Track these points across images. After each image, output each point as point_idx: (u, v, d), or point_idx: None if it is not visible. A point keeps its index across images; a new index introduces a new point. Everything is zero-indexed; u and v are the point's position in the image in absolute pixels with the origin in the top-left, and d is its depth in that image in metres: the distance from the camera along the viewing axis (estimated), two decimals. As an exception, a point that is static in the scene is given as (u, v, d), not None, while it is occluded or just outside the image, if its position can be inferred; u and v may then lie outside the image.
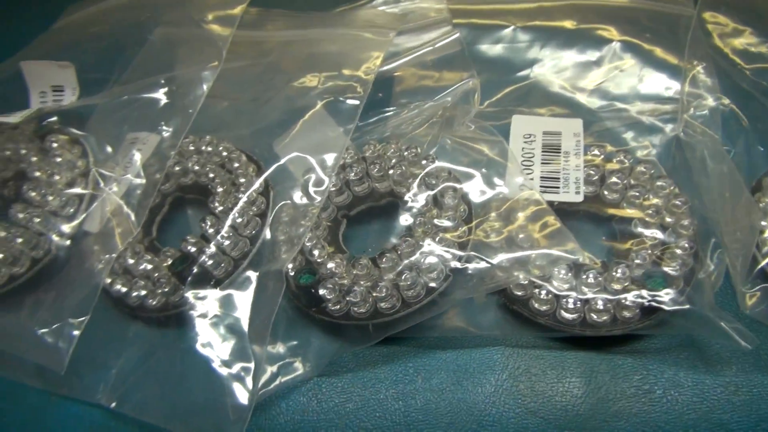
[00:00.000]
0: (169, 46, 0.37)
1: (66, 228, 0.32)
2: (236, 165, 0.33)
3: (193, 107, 0.31)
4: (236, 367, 0.29)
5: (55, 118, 0.35)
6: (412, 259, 0.28)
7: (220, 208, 0.31)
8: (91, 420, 0.29)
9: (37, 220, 0.31)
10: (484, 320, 0.30)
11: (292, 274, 0.30)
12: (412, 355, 0.30)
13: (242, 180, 0.32)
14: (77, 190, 0.33)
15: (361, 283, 0.29)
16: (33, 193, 0.32)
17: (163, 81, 0.32)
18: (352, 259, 0.30)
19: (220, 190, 0.32)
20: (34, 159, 0.34)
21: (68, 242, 0.31)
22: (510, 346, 0.30)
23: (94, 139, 0.33)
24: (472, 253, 0.28)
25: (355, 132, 0.36)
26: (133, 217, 0.30)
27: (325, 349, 0.30)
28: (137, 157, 0.33)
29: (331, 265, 0.30)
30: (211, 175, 0.33)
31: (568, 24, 0.39)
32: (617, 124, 0.36)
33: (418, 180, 0.31)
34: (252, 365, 0.28)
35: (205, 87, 0.31)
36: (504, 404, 0.28)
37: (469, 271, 0.29)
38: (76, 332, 0.28)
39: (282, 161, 0.31)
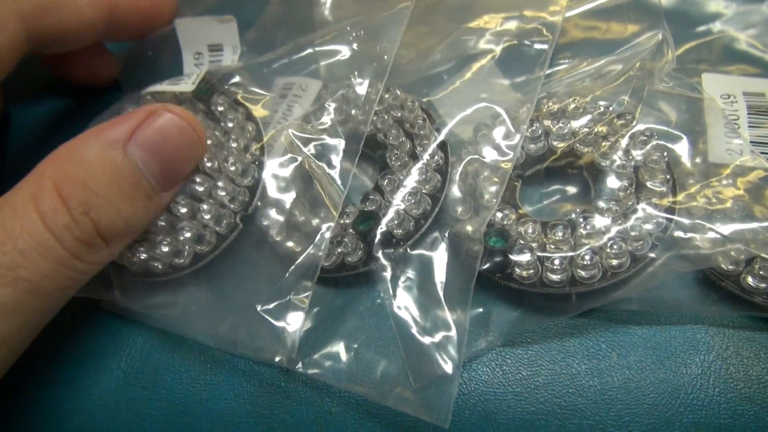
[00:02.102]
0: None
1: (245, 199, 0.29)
2: (409, 115, 0.30)
3: (388, 53, 0.28)
4: (438, 336, 0.26)
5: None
6: (625, 225, 0.26)
7: (398, 163, 0.29)
8: (258, 376, 0.28)
9: (222, 193, 0.28)
10: (684, 295, 0.28)
11: (476, 236, 0.28)
12: (604, 329, 0.28)
13: (420, 132, 0.29)
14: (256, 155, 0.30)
15: (561, 248, 0.26)
16: (209, 164, 0.29)
17: (348, 28, 0.30)
18: (547, 224, 0.27)
19: (395, 142, 0.29)
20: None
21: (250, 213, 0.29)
22: (714, 325, 0.27)
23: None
24: (693, 221, 0.26)
25: (524, 86, 0.33)
26: (338, 180, 0.28)
27: (510, 318, 0.28)
28: (296, 108, 0.30)
29: (523, 229, 0.27)
30: (380, 125, 0.30)
31: (759, -26, 0.35)
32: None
33: (618, 140, 0.28)
34: (454, 333, 0.26)
35: (398, 29, 0.29)
36: (714, 388, 0.26)
37: (681, 241, 0.26)
38: (301, 312, 0.26)
39: (468, 111, 0.29)
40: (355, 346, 0.27)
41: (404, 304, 0.27)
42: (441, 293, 0.27)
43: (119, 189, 0.24)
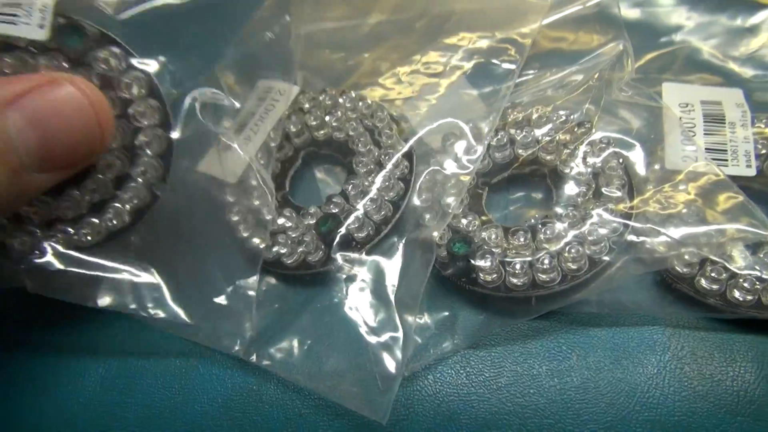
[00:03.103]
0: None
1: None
2: (379, 124, 0.31)
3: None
4: (384, 336, 0.28)
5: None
6: (582, 230, 0.27)
7: (364, 170, 0.30)
8: (232, 380, 0.29)
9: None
10: (642, 297, 0.29)
11: (442, 243, 0.29)
12: (564, 331, 0.29)
13: (388, 141, 0.30)
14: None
15: (522, 253, 0.27)
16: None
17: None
18: (509, 229, 0.28)
19: (363, 149, 0.30)
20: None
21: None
22: (671, 326, 0.28)
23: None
24: (648, 225, 0.27)
25: (491, 96, 0.34)
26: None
27: (475, 321, 0.29)
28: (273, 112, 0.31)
29: (486, 234, 0.28)
30: (352, 133, 0.31)
31: (719, -13, 0.36)
32: (775, 95, 0.33)
33: (578, 148, 0.29)
34: (400, 335, 0.27)
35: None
36: (669, 386, 0.27)
37: (637, 245, 0.27)
38: (252, 292, 0.27)
39: (434, 125, 0.30)
40: (309, 341, 0.28)
41: (356, 305, 0.28)
42: (392, 296, 0.28)
43: None
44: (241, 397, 0.28)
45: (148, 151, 0.27)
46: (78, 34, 0.25)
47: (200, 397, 0.29)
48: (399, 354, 0.27)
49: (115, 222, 0.27)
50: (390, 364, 0.27)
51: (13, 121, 0.21)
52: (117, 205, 0.27)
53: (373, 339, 0.28)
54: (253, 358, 0.28)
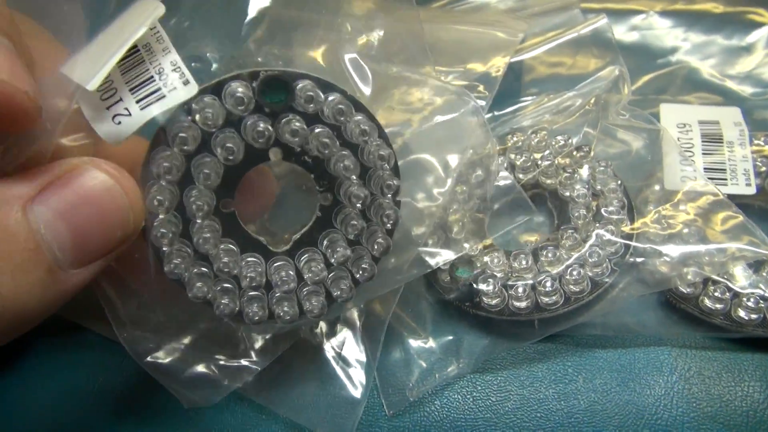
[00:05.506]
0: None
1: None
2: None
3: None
4: (352, 362, 0.28)
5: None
6: (582, 252, 0.27)
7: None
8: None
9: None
10: (647, 318, 0.29)
11: (445, 267, 0.29)
12: (570, 354, 0.29)
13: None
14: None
15: (525, 277, 0.28)
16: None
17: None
18: (511, 253, 0.28)
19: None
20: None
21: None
22: (677, 346, 0.28)
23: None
24: (649, 245, 0.27)
25: (491, 122, 0.35)
26: None
27: (480, 345, 0.29)
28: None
29: (488, 258, 0.29)
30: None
31: (713, 8, 0.37)
32: (774, 113, 0.34)
33: (577, 171, 0.30)
34: (364, 358, 0.28)
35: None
36: (677, 408, 0.27)
37: (639, 266, 0.27)
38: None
39: (410, 158, 0.30)
40: (278, 366, 0.28)
41: (319, 329, 0.28)
42: (359, 323, 0.28)
43: (10, 257, 0.19)
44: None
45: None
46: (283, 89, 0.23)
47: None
48: (363, 379, 0.28)
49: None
50: (355, 390, 0.28)
51: (42, 217, 0.19)
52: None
53: (340, 365, 0.28)
54: (226, 381, 0.28)
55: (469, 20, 0.39)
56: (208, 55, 0.27)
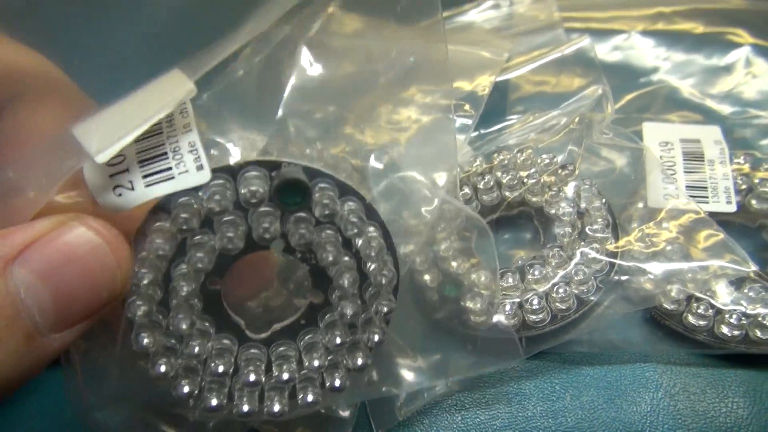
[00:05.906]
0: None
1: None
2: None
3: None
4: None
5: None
6: (567, 270, 0.27)
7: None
8: None
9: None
10: (632, 335, 0.29)
11: (433, 285, 0.29)
12: (557, 371, 0.29)
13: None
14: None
15: (511, 294, 0.28)
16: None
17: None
18: (498, 271, 0.29)
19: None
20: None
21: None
22: (662, 362, 0.28)
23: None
24: (633, 263, 0.27)
25: (477, 140, 0.35)
26: None
27: (467, 363, 0.29)
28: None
29: (475, 276, 0.29)
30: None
31: (693, 28, 0.38)
32: (753, 132, 0.34)
33: (562, 189, 0.30)
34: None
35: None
36: (663, 424, 0.27)
37: (623, 283, 0.28)
38: None
39: (395, 176, 0.30)
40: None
41: None
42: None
43: None
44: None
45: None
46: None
47: None
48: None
49: None
50: (344, 411, 0.27)
51: (21, 279, 0.18)
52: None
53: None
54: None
55: (455, 40, 0.39)
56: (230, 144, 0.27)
